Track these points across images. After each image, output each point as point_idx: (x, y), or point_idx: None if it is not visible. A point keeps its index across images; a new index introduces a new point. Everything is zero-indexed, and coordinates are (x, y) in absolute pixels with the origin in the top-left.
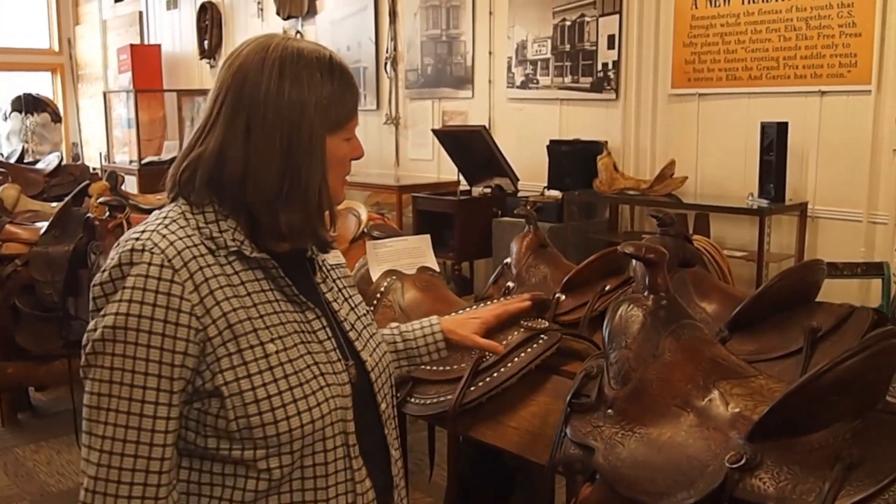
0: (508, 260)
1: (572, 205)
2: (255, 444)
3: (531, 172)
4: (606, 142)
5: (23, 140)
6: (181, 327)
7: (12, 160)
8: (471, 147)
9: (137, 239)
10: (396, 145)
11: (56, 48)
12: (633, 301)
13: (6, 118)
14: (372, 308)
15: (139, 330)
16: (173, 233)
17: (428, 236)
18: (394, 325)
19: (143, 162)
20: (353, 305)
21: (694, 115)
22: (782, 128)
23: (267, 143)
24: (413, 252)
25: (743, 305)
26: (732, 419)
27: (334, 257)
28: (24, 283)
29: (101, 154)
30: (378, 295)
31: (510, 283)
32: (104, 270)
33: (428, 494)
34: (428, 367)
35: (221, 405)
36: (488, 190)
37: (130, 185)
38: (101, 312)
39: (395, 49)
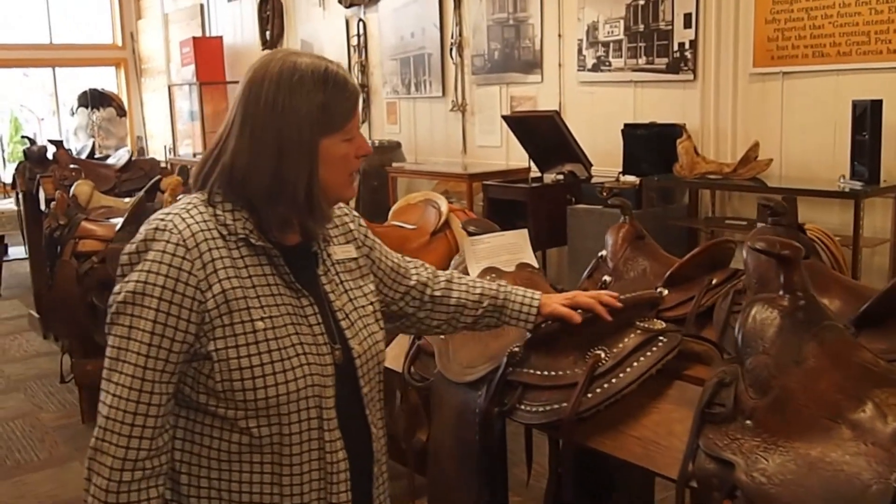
0: (603, 252)
1: (651, 190)
2: (237, 405)
3: (604, 157)
4: (685, 125)
5: (89, 135)
6: (186, 298)
7: (83, 156)
8: (542, 133)
9: (162, 220)
10: (463, 132)
11: (119, 43)
12: (767, 302)
13: (73, 113)
14: None
15: (152, 296)
16: (192, 217)
17: (525, 231)
18: (502, 282)
19: None
20: (351, 297)
21: (777, 95)
22: (876, 106)
23: (263, 147)
24: (511, 248)
25: (873, 300)
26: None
27: (343, 252)
28: (101, 281)
29: (165, 147)
30: None
31: (606, 277)
32: (133, 243)
33: (516, 494)
34: (538, 373)
35: (211, 368)
36: (560, 176)
37: None
38: (126, 279)
39: (460, 34)
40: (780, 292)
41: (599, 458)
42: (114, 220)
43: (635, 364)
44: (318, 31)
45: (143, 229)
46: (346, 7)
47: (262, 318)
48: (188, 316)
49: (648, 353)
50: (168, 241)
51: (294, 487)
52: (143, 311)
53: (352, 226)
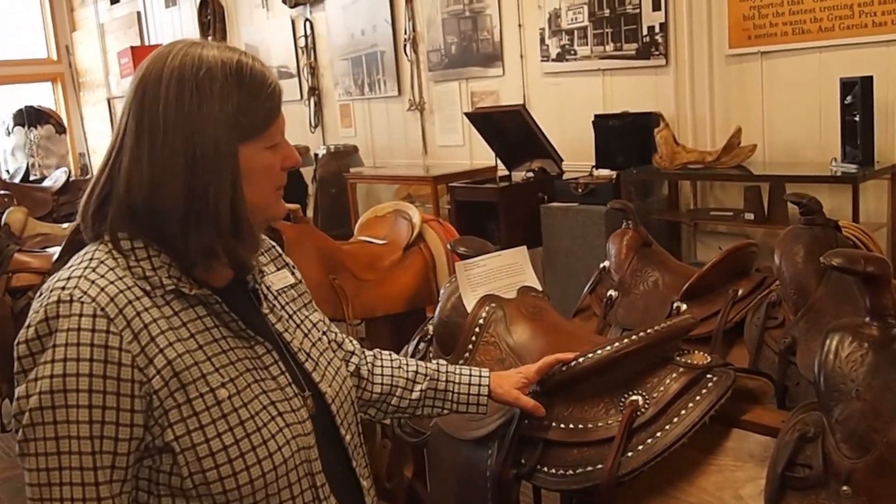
0: (606, 263)
1: (629, 184)
2: (214, 499)
3: (575, 151)
4: (661, 113)
5: (28, 154)
6: (124, 382)
7: (17, 178)
8: (508, 129)
9: (63, 288)
10: (423, 132)
11: (54, 57)
12: (850, 331)
13: (9, 133)
14: (471, 345)
15: (79, 390)
16: (103, 276)
17: (524, 248)
18: (442, 362)
19: None
20: (306, 331)
21: (757, 76)
22: (867, 83)
23: (170, 161)
24: (510, 270)
25: None
26: None
27: (281, 280)
28: None
29: None
30: (477, 329)
31: (612, 292)
32: (28, 326)
33: None
34: (562, 426)
35: (174, 461)
36: (531, 174)
37: None
38: (33, 375)
39: (413, 29)
40: (867, 319)
41: None
42: (51, 250)
43: (683, 412)
44: (263, 34)
45: (37, 305)
46: (292, 7)
47: (222, 385)
48: (130, 404)
49: (697, 398)
50: (81, 315)
51: None
52: (70, 412)
53: (276, 251)
